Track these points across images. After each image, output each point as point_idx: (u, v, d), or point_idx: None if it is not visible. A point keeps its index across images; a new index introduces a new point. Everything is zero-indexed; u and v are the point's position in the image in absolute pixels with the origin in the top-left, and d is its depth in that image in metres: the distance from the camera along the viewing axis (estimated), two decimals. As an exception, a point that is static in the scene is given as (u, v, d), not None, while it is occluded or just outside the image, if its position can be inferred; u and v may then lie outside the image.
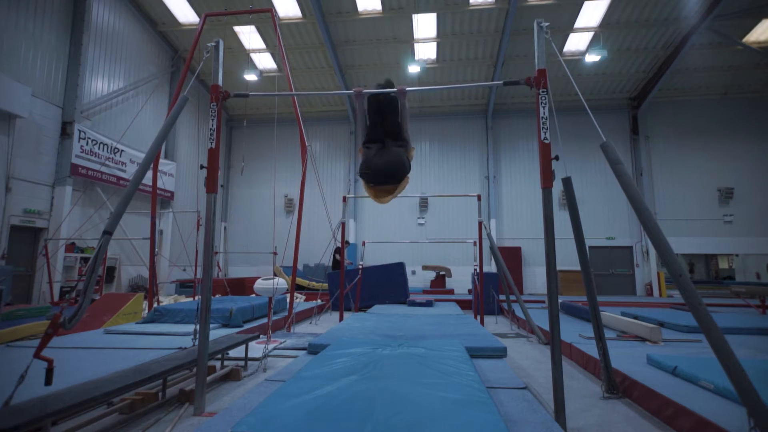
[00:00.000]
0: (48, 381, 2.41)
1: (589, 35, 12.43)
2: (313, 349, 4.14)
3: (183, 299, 9.83)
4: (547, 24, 2.98)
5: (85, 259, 9.81)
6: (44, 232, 8.93)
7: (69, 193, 9.28)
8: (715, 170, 14.24)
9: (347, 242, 12.41)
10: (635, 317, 6.39)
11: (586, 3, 11.28)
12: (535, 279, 14.39)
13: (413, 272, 14.27)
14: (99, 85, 10.56)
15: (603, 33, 12.19)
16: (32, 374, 2.42)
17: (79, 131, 9.53)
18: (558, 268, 2.92)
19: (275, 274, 7.42)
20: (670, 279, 13.55)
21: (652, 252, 13.78)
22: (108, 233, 2.68)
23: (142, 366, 3.12)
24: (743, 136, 14.26)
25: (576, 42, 12.73)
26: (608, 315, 5.84)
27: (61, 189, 9.20)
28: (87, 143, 9.77)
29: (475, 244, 8.33)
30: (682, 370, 3.25)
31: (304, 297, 10.82)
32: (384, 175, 3.13)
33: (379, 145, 3.24)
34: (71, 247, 9.55)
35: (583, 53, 12.73)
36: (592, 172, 14.41)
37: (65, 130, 9.35)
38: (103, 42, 10.66)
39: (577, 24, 11.99)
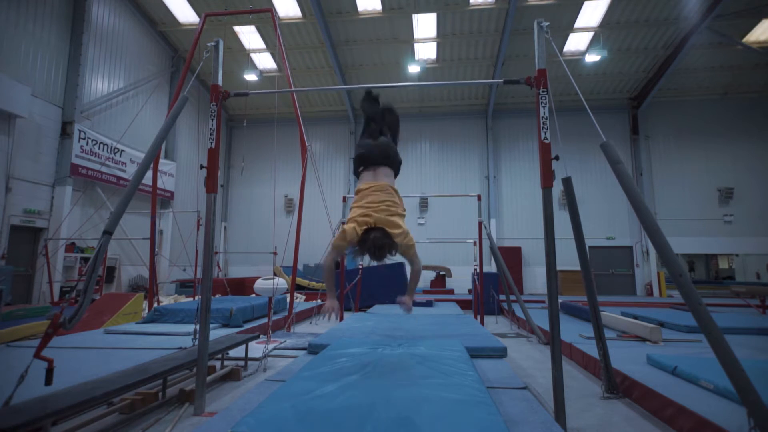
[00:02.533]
0: (48, 381, 2.41)
1: (589, 35, 12.43)
2: (313, 349, 4.13)
3: (183, 299, 9.83)
4: (547, 24, 2.97)
5: (85, 259, 9.81)
6: (44, 232, 8.94)
7: (69, 193, 9.28)
8: (715, 170, 14.25)
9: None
10: (635, 317, 6.39)
11: (586, 3, 11.28)
12: (535, 279, 14.38)
13: (413, 272, 14.25)
14: (99, 85, 10.56)
15: (603, 33, 12.19)
16: (32, 374, 2.41)
17: (79, 131, 9.53)
18: (558, 268, 2.91)
19: (275, 274, 7.43)
20: (670, 279, 13.55)
21: (652, 252, 13.78)
22: (108, 233, 2.68)
23: (142, 366, 3.12)
24: (743, 136, 14.26)
25: (576, 42, 12.72)
26: (608, 315, 5.84)
27: (61, 189, 9.20)
28: (87, 143, 9.77)
29: (475, 244, 8.32)
30: (682, 370, 3.25)
31: (304, 297, 10.82)
32: (377, 155, 3.10)
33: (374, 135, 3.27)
34: (71, 247, 9.55)
35: (583, 53, 12.73)
36: (592, 172, 14.41)
37: (65, 130, 9.36)
38: (103, 42, 10.65)
39: (577, 24, 11.99)
